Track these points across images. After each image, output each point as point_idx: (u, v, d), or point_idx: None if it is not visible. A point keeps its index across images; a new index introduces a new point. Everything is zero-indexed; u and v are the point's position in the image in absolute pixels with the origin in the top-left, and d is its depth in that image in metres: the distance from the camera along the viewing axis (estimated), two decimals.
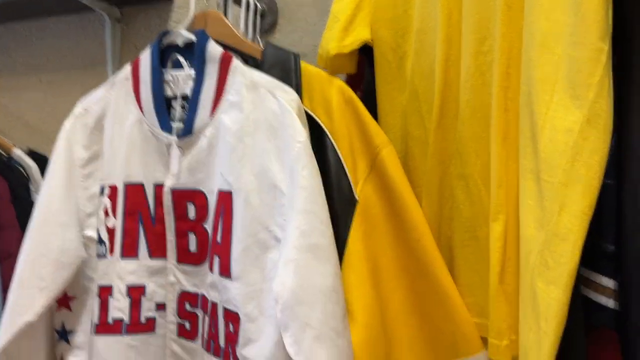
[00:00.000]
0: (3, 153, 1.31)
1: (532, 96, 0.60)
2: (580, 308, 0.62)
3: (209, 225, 0.80)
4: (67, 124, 0.88)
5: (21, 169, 1.28)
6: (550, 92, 0.59)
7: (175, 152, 0.81)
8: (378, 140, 0.81)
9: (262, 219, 0.73)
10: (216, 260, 0.77)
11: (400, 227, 0.79)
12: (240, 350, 0.73)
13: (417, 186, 0.84)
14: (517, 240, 0.67)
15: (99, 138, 0.88)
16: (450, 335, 0.78)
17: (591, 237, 0.60)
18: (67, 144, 0.87)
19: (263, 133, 0.76)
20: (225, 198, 0.77)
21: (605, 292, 0.60)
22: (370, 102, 0.90)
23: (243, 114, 0.77)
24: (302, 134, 0.73)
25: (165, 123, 0.83)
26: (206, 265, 0.81)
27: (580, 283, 0.63)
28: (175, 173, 0.81)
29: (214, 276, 0.77)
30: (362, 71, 0.94)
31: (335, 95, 0.83)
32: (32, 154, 1.33)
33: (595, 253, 0.61)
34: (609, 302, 0.60)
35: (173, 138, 0.82)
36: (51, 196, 0.85)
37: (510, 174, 0.69)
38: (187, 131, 0.81)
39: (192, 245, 0.82)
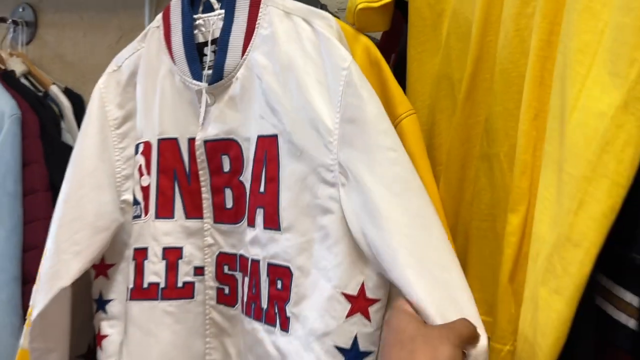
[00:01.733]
0: (40, 88, 1.33)
1: (567, 69, 0.50)
2: (591, 325, 0.53)
3: (245, 178, 0.74)
4: (100, 82, 0.84)
5: (54, 107, 1.29)
6: (588, 66, 0.48)
7: (205, 100, 0.75)
8: (401, 109, 0.73)
9: (309, 161, 0.67)
10: (259, 213, 0.71)
11: None
12: (292, 309, 0.67)
13: (438, 164, 0.76)
14: None
15: (132, 95, 0.83)
16: None
17: (619, 246, 0.51)
18: (101, 103, 0.83)
19: (301, 66, 0.68)
20: (269, 143, 0.71)
21: (627, 309, 0.50)
22: (405, 65, 0.82)
23: (277, 47, 0.70)
24: (345, 59, 0.65)
25: (196, 71, 0.76)
26: (244, 223, 0.74)
27: (598, 295, 0.54)
28: (205, 123, 0.75)
29: (256, 231, 0.71)
30: (399, 29, 0.86)
31: (359, 54, 0.75)
32: (68, 92, 1.34)
33: (622, 264, 0.51)
34: (630, 322, 0.50)
35: (203, 85, 0.75)
36: (85, 157, 0.81)
37: (538, 160, 0.60)
38: (217, 76, 0.74)
39: (229, 202, 0.76)
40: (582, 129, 0.48)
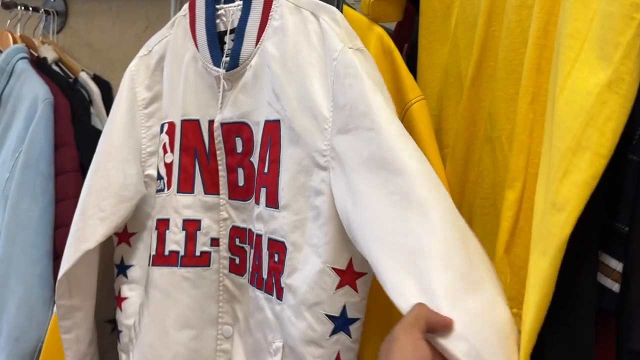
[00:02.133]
0: (70, 75, 1.39)
1: (559, 54, 0.55)
2: (593, 296, 0.57)
3: (254, 159, 0.80)
4: (132, 65, 0.90)
5: (84, 92, 1.35)
6: (578, 50, 0.53)
7: (223, 85, 0.81)
8: (411, 95, 0.79)
9: (305, 146, 0.71)
10: (263, 192, 0.76)
11: None
12: (285, 280, 0.72)
13: (446, 147, 0.81)
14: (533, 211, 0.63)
15: (160, 78, 0.89)
16: None
17: (608, 218, 0.56)
18: (131, 84, 0.89)
19: (306, 57, 0.73)
20: (273, 128, 0.76)
21: (612, 274, 0.55)
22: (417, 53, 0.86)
23: (286, 38, 0.74)
24: (335, 50, 0.68)
25: (217, 58, 0.81)
26: (252, 200, 0.80)
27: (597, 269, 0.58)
28: (223, 107, 0.81)
29: (260, 208, 0.77)
30: (412, 20, 0.90)
31: (373, 44, 0.80)
32: (96, 79, 1.40)
33: (609, 234, 0.56)
34: (614, 286, 0.55)
35: (221, 71, 0.80)
36: (114, 133, 0.88)
37: (534, 140, 0.64)
38: (234, 63, 0.80)
39: (241, 180, 0.82)
40: (570, 107, 0.52)
